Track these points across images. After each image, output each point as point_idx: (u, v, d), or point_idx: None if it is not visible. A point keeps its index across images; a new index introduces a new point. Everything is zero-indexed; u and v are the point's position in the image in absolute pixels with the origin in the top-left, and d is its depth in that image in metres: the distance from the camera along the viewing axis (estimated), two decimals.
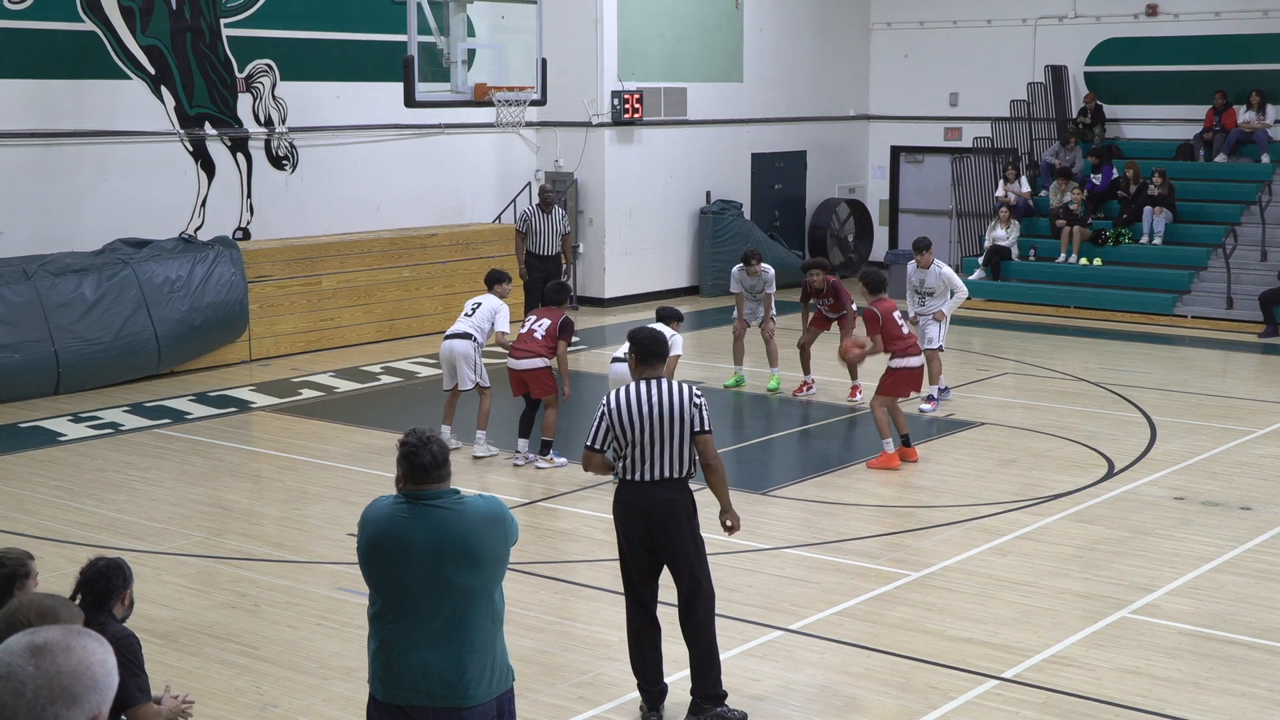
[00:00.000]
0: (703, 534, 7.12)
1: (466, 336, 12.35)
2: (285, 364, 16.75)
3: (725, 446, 12.44)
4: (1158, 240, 20.93)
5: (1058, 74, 23.23)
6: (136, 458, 12.55)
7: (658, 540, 6.96)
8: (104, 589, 5.09)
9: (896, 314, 12.33)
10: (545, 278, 16.16)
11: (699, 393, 6.99)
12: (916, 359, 12.30)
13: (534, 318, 12.30)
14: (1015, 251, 21.62)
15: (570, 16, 20.17)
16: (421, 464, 4.94)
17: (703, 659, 7.07)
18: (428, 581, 4.88)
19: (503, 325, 12.43)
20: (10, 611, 4.20)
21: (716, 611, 7.15)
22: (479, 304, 12.58)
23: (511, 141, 20.89)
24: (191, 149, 17.42)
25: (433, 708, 4.92)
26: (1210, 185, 21.55)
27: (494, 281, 12.81)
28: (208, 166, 17.59)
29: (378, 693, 5.03)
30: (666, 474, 6.89)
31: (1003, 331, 19.10)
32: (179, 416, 14.10)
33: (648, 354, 7.04)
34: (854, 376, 14.47)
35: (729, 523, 7.20)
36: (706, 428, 6.92)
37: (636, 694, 7.23)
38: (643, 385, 6.95)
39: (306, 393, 15.30)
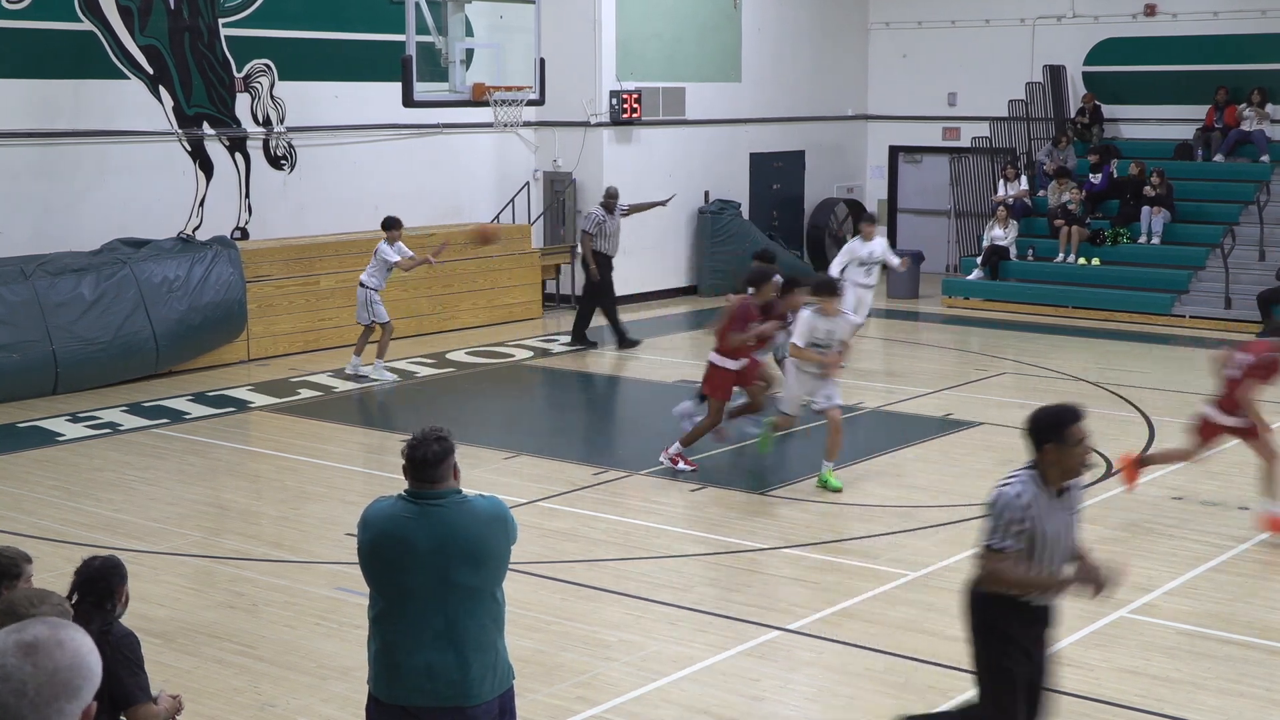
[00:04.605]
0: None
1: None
2: (283, 364, 16.74)
3: (723, 446, 12.46)
4: (1156, 240, 20.93)
5: (1056, 74, 23.24)
6: (134, 457, 12.54)
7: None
8: (104, 589, 5.07)
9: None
10: (608, 280, 17.45)
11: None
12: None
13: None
14: (1014, 251, 21.61)
15: (569, 16, 20.16)
16: (421, 459, 4.93)
17: None
18: (431, 582, 4.88)
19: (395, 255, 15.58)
20: (7, 603, 4.21)
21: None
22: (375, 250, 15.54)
23: (510, 141, 20.88)
24: (190, 149, 17.41)
25: (438, 707, 4.92)
26: (1208, 185, 21.55)
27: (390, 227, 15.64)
28: (206, 166, 17.58)
29: (381, 694, 5.02)
30: None
31: (1001, 331, 19.11)
32: (177, 416, 14.09)
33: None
34: None
35: None
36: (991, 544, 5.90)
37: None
38: None
39: (305, 392, 15.29)
